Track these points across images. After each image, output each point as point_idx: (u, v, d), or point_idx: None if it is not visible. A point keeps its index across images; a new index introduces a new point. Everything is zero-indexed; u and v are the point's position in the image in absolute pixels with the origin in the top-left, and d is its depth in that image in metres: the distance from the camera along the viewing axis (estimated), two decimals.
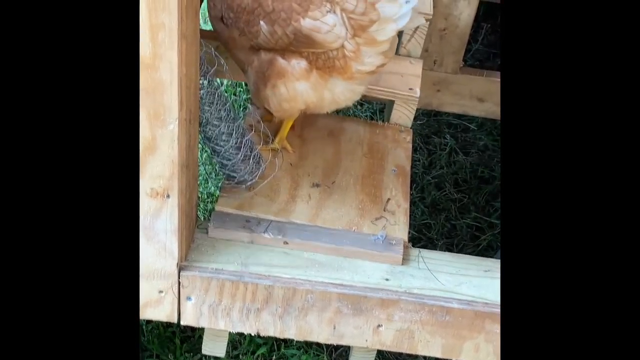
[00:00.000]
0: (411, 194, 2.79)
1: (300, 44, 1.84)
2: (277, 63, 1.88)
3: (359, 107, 3.12)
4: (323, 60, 1.85)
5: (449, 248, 2.61)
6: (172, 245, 1.67)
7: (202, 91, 1.76)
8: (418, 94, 2.21)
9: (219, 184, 2.63)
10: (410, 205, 2.68)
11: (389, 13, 1.74)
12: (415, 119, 3.02)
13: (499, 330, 1.78)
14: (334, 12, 1.78)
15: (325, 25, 1.79)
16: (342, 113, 3.04)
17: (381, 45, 1.80)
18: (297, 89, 1.90)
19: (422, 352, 1.84)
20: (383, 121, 2.31)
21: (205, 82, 1.77)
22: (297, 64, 1.87)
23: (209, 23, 3.29)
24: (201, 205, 2.62)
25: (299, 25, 1.80)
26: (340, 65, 1.84)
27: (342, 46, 1.80)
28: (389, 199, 2.00)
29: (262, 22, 1.84)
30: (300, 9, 1.80)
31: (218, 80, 2.72)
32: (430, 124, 3.12)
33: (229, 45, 1.98)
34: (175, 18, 1.35)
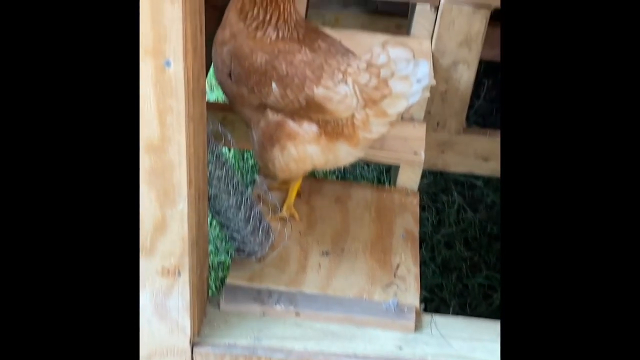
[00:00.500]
0: (421, 254, 2.79)
1: (310, 111, 1.85)
2: (288, 126, 1.89)
3: (365, 167, 3.15)
4: (332, 127, 1.87)
5: (462, 308, 2.60)
6: (185, 322, 1.68)
7: (209, 166, 1.79)
8: (423, 157, 2.23)
9: (229, 251, 2.64)
10: (421, 266, 2.67)
11: (401, 90, 1.76)
12: (421, 177, 3.04)
13: None
14: (346, 82, 1.80)
15: (337, 95, 1.81)
16: (349, 173, 3.08)
17: (391, 117, 1.82)
18: (308, 151, 1.91)
19: None
20: (389, 181, 2.33)
21: (213, 157, 1.79)
22: (309, 128, 1.88)
23: (214, 91, 3.35)
24: (212, 274, 2.62)
25: (311, 93, 1.82)
26: (348, 132, 1.86)
27: (352, 115, 1.83)
28: (398, 264, 2.00)
29: (274, 84, 1.84)
30: (314, 76, 1.82)
31: (225, 151, 2.76)
32: (437, 182, 3.14)
33: (235, 102, 1.96)
34: (183, 102, 1.38)
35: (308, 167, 1.97)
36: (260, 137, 1.94)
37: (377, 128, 1.86)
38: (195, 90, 1.42)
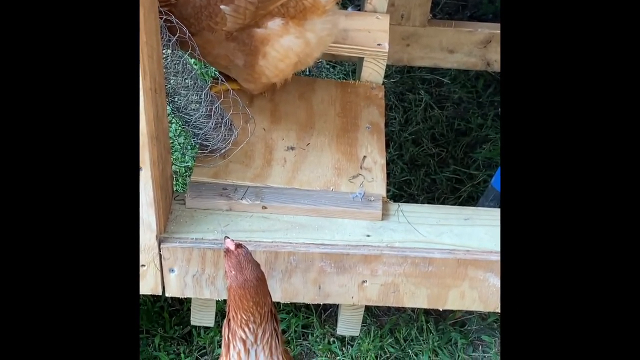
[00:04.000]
0: (389, 152, 2.78)
1: (266, 2, 1.87)
2: (256, 33, 1.91)
3: (331, 69, 3.10)
4: (293, 7, 1.89)
5: (430, 202, 2.61)
6: (150, 218, 1.66)
7: (166, 61, 1.74)
8: (387, 49, 2.19)
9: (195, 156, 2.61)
10: (389, 163, 2.67)
11: None
12: (388, 76, 3.00)
13: (482, 277, 1.79)
14: None
15: None
16: (314, 75, 3.02)
17: None
18: (284, 44, 1.93)
19: (408, 304, 1.85)
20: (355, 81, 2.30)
21: (169, 51, 1.74)
22: (274, 24, 1.91)
23: None
24: (179, 180, 2.60)
25: None
26: (310, 3, 1.89)
27: None
28: (365, 156, 1.99)
29: (222, 7, 1.87)
30: None
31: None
32: (404, 81, 3.10)
33: (207, 51, 1.94)
34: None
35: (294, 59, 1.97)
36: (243, 56, 1.95)
37: None
38: None
